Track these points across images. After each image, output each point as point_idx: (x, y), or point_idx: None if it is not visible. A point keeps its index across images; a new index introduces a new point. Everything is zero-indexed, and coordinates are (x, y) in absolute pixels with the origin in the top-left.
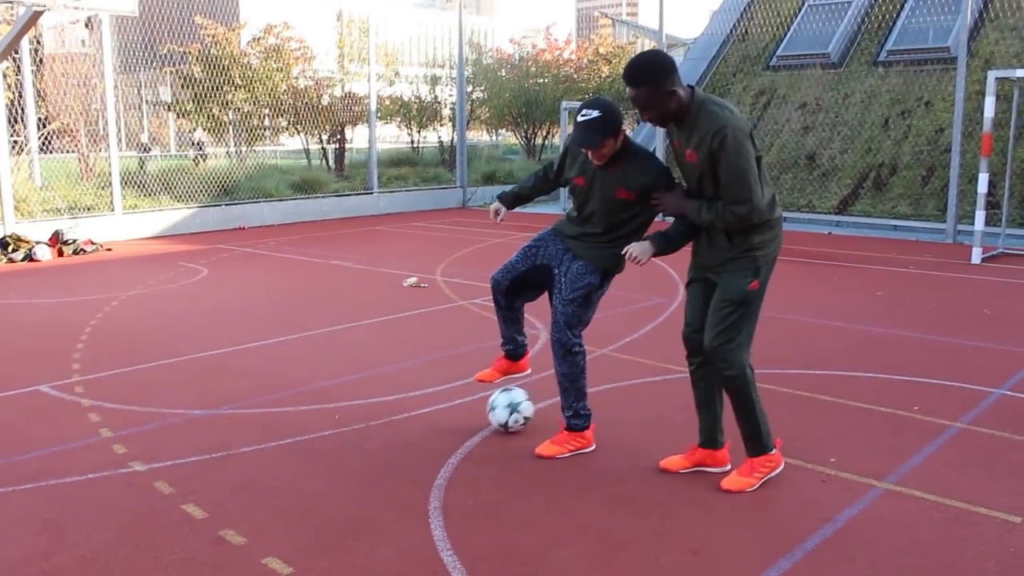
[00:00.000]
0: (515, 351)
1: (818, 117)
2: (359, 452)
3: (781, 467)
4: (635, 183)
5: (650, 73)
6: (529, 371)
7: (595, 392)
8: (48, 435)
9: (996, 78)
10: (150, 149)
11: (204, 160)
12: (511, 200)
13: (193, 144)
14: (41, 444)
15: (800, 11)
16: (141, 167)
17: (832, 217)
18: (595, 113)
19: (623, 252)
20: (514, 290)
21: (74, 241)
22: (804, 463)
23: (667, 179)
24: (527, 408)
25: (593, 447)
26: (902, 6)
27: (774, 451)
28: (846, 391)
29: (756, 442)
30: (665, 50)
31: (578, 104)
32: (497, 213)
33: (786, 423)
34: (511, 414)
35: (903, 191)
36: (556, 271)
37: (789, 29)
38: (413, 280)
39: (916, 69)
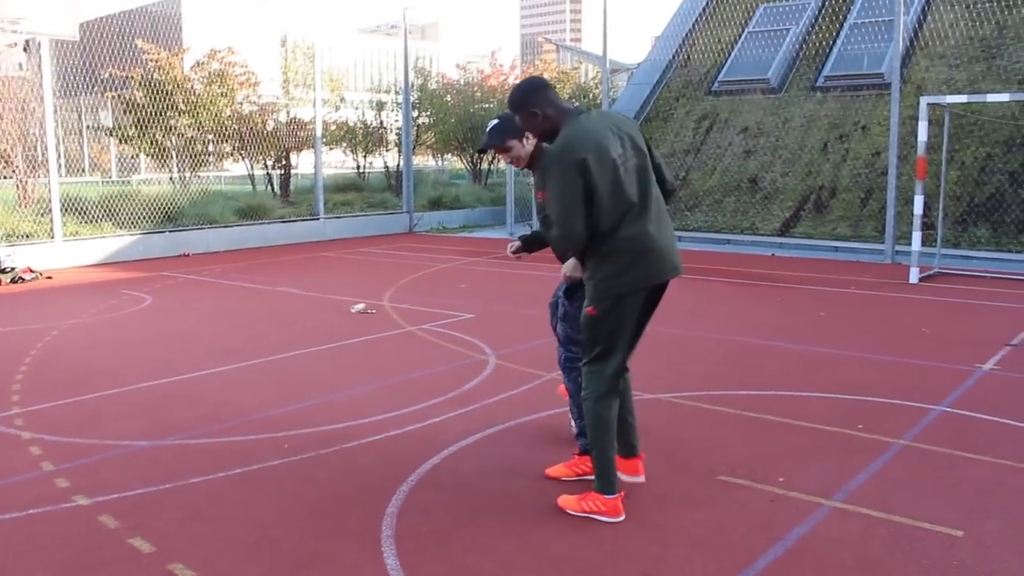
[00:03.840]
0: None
1: (759, 141)
2: (309, 481)
3: (614, 519)
4: (539, 182)
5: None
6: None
7: (549, 416)
8: None
9: (928, 104)
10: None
11: None
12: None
13: None
14: None
15: (740, 38)
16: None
17: (775, 239)
18: (495, 121)
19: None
20: None
21: (12, 269)
22: (753, 483)
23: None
24: None
25: None
26: (837, 33)
27: (610, 497)
28: (792, 411)
29: (596, 476)
30: (609, 75)
31: None
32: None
33: (734, 444)
34: None
35: (843, 213)
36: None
37: (730, 55)
38: (361, 306)
39: (852, 94)
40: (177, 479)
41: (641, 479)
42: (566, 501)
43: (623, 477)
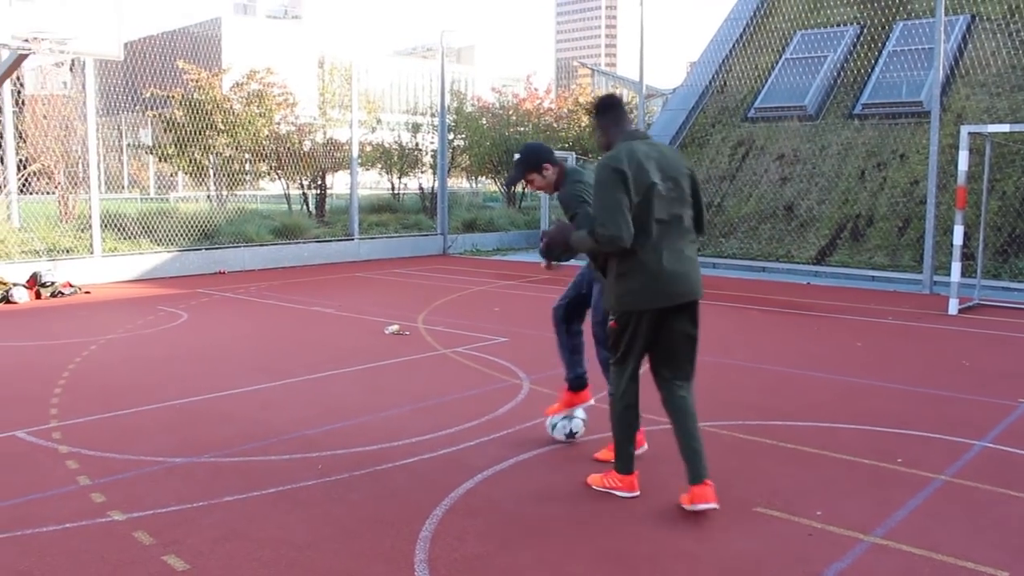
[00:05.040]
0: (576, 381)
1: (795, 168)
2: (343, 503)
3: (628, 494)
4: (562, 206)
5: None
6: (592, 401)
7: (584, 442)
8: (24, 483)
9: (969, 132)
10: None
11: None
12: None
13: None
14: (17, 492)
15: (777, 64)
16: None
17: (811, 267)
18: (517, 156)
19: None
20: (570, 315)
21: (52, 283)
22: (791, 516)
23: (574, 199)
24: (580, 418)
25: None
26: (876, 61)
27: (626, 475)
28: (829, 442)
29: (616, 458)
30: (644, 100)
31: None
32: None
33: (771, 475)
34: (569, 420)
35: (880, 242)
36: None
37: (766, 82)
38: (395, 327)
39: (891, 122)
40: (211, 497)
41: (714, 505)
42: (592, 479)
43: (696, 506)
